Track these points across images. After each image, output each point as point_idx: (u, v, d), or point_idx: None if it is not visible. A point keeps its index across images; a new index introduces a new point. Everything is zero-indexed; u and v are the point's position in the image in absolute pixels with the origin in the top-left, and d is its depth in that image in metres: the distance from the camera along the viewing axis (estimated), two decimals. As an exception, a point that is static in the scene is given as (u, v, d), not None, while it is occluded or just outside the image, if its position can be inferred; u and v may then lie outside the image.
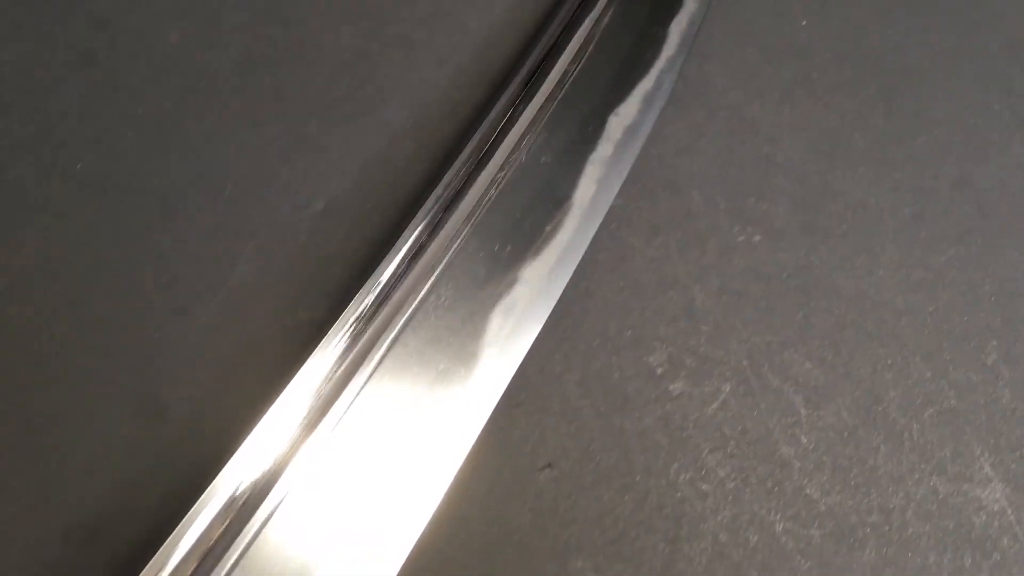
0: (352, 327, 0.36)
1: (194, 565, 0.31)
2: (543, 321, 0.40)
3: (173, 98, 0.43)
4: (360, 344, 0.35)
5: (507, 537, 0.38)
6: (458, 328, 0.37)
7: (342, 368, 0.35)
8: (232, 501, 0.32)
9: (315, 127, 0.44)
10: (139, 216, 0.40)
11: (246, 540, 0.31)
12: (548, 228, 0.40)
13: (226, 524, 0.31)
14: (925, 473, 0.41)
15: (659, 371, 0.42)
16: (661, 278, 0.44)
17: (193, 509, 0.31)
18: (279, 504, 0.32)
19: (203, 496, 0.32)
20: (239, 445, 0.33)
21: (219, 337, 0.39)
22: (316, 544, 0.32)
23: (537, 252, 0.40)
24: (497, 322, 0.38)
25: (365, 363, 0.35)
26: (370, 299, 0.37)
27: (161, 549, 0.30)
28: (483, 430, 0.37)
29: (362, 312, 0.36)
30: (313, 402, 0.34)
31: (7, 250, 0.39)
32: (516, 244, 0.40)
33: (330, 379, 0.35)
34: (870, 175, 0.47)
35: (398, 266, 0.38)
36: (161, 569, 0.30)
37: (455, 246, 0.38)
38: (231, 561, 0.31)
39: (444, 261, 0.38)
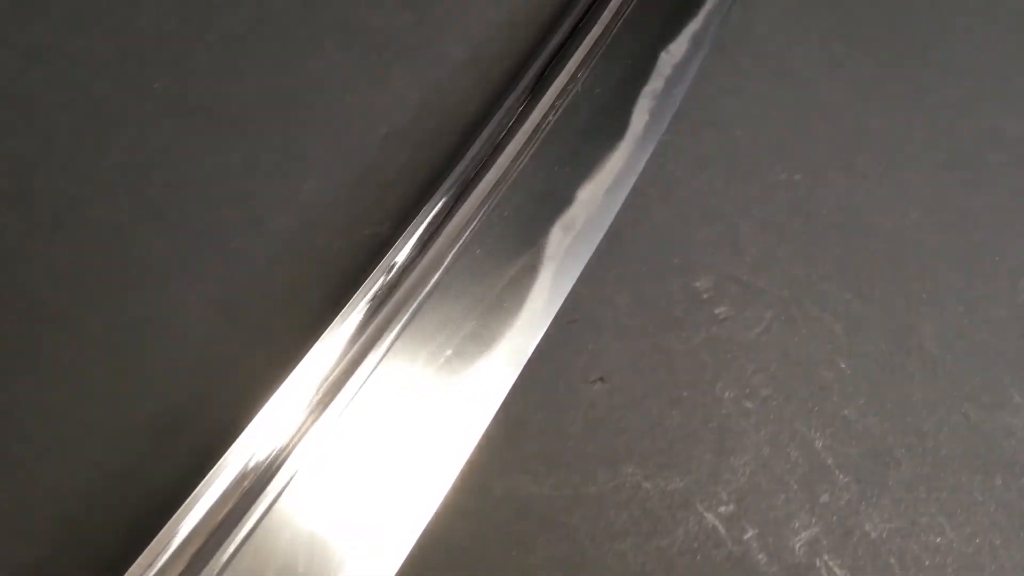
0: (421, 238, 0.38)
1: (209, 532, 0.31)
2: (597, 242, 0.41)
3: (243, 27, 0.45)
4: (433, 249, 0.37)
5: (562, 443, 0.39)
6: (521, 240, 0.39)
7: (418, 269, 0.37)
8: (254, 465, 0.33)
9: (377, 58, 0.46)
10: (213, 134, 0.42)
11: (269, 500, 0.32)
12: (602, 154, 0.42)
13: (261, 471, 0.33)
14: (957, 400, 0.43)
15: (705, 296, 0.44)
16: (706, 210, 0.45)
17: (212, 473, 0.32)
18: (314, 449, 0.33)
19: (219, 463, 0.32)
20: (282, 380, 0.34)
21: (290, 248, 0.40)
22: (350, 487, 0.33)
23: (592, 176, 0.42)
24: (556, 237, 0.40)
25: (436, 264, 0.37)
26: (436, 209, 0.38)
27: (165, 528, 0.31)
28: (540, 343, 0.39)
29: (430, 222, 0.38)
30: (368, 318, 0.36)
31: (92, 162, 0.41)
32: (573, 167, 0.41)
33: (399, 284, 0.37)
34: (905, 121, 0.49)
35: (460, 184, 0.40)
36: (164, 553, 0.30)
37: (518, 166, 0.40)
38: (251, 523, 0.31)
39: (508, 180, 0.40)
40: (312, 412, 0.34)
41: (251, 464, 0.33)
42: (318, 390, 0.34)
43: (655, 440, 0.40)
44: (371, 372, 0.35)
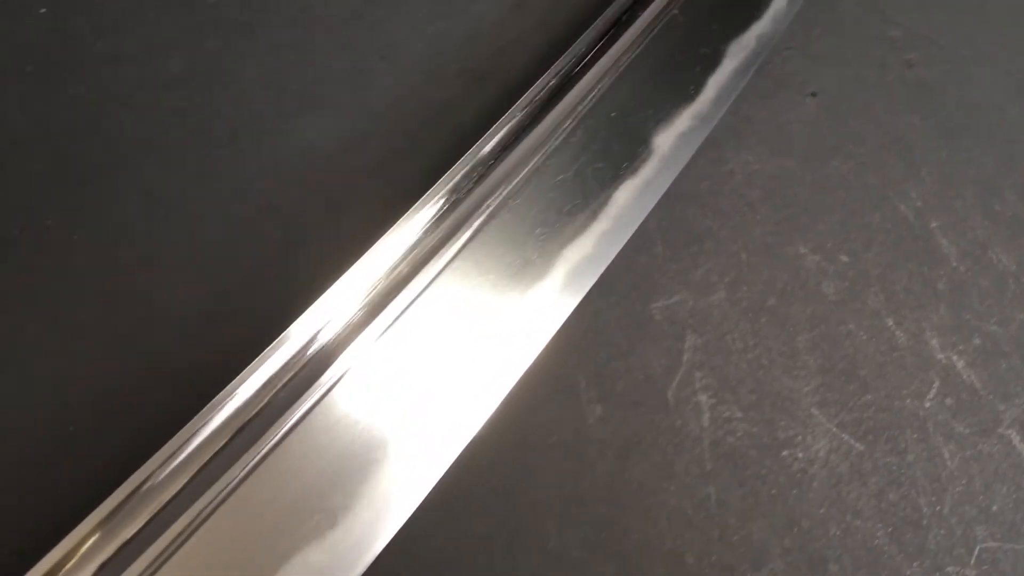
0: (503, 139, 0.40)
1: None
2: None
3: None
4: (524, 143, 0.39)
5: (788, 151, 0.46)
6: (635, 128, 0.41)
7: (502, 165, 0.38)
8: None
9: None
10: (282, 42, 0.46)
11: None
12: (700, 72, 0.44)
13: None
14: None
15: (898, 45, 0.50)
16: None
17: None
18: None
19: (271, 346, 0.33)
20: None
21: (370, 138, 0.44)
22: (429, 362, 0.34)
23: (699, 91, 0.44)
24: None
25: (525, 161, 0.38)
26: (527, 111, 0.40)
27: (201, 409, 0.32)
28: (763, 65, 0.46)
29: (521, 119, 0.40)
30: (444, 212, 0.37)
31: (157, 65, 0.45)
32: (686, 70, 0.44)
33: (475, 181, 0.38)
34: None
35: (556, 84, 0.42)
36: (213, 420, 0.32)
37: (630, 58, 0.42)
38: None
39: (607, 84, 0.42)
40: (382, 298, 0.34)
41: (312, 345, 0.33)
42: (389, 276, 0.35)
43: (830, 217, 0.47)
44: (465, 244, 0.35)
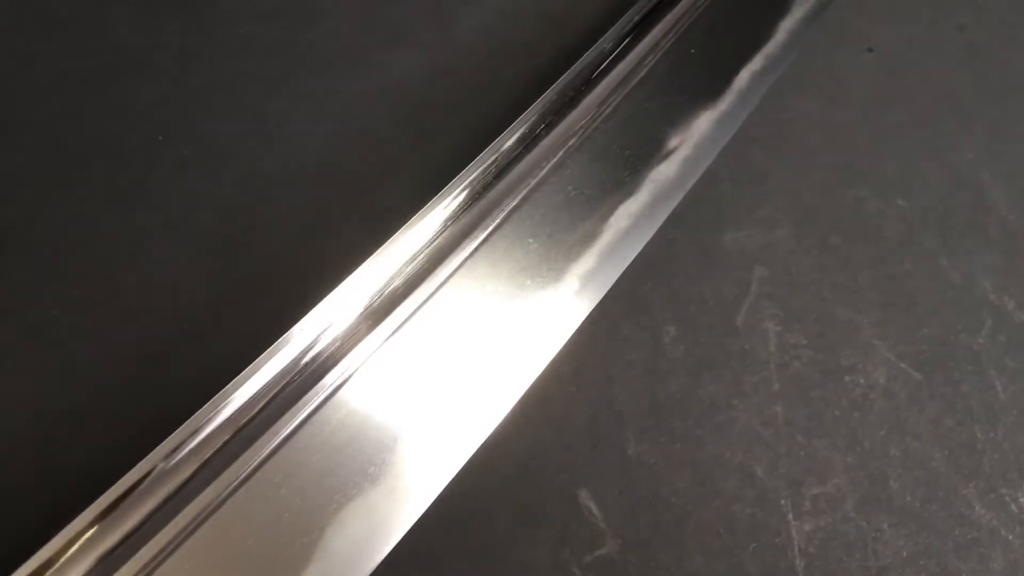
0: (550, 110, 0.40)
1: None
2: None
3: None
4: (576, 111, 0.40)
5: (846, 102, 0.48)
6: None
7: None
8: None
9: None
10: None
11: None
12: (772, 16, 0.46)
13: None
14: None
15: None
16: None
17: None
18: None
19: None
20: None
21: (453, 75, 0.45)
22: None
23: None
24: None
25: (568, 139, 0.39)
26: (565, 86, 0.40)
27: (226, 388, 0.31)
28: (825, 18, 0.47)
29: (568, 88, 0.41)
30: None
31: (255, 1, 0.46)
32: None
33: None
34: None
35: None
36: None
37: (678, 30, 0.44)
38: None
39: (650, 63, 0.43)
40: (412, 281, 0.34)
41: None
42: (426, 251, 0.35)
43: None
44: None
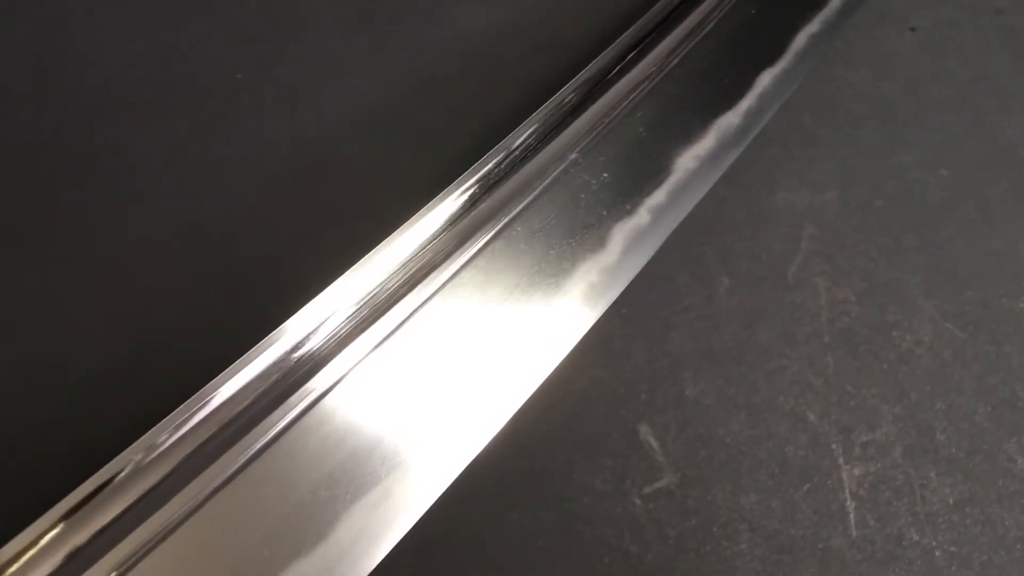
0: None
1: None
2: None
3: None
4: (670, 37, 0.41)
5: (890, 76, 0.49)
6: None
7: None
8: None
9: None
10: None
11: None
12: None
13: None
14: None
15: None
16: None
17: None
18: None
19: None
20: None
21: (518, 30, 0.46)
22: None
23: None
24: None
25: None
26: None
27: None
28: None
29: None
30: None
31: None
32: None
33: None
34: None
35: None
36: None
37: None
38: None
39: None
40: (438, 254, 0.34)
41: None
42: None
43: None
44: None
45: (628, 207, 0.35)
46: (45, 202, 0.35)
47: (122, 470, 0.27)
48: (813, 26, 0.43)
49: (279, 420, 0.29)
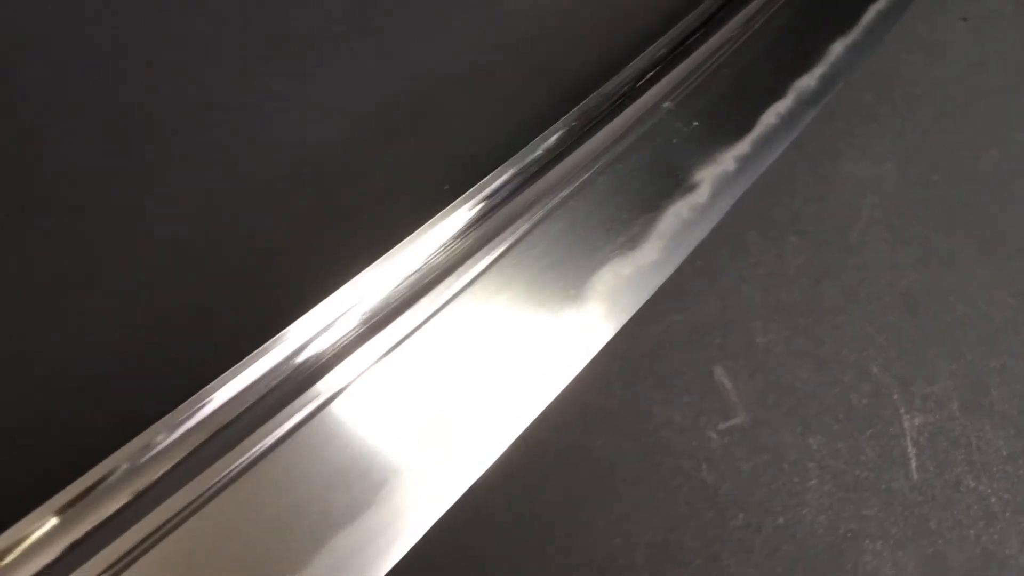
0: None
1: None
2: None
3: None
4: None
5: (944, 62, 0.52)
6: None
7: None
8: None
9: None
10: None
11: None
12: None
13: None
14: None
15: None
16: None
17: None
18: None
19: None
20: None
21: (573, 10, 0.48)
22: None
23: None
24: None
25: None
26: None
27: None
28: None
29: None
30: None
31: None
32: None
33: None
34: None
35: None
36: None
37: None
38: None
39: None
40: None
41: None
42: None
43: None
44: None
45: (716, 154, 0.37)
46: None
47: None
48: (881, 3, 0.45)
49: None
